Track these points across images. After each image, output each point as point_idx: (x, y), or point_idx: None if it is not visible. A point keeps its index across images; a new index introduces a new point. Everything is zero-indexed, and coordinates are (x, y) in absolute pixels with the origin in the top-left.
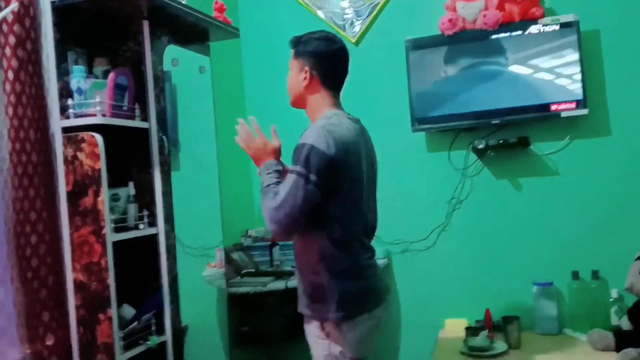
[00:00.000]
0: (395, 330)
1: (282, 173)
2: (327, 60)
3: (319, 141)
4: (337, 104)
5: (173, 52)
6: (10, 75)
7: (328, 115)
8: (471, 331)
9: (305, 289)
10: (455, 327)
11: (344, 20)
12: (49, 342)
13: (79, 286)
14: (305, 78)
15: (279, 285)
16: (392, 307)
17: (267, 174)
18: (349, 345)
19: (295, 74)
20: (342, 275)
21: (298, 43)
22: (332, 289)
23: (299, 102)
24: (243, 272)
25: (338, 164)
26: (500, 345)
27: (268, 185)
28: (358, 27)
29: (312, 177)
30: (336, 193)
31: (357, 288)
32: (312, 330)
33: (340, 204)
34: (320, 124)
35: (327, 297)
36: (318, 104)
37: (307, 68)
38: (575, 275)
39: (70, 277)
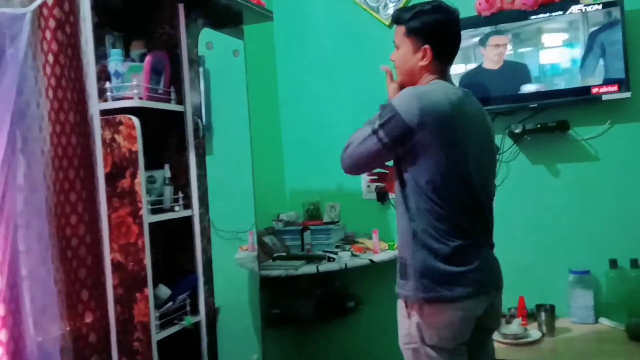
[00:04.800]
0: None
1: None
2: (445, 35)
3: (403, 104)
4: (443, 76)
5: (207, 36)
6: (51, 58)
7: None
8: (505, 318)
9: (397, 262)
10: None
11: (378, 2)
12: (88, 319)
13: (116, 266)
14: (424, 57)
15: (311, 269)
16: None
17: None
18: (427, 331)
19: (409, 53)
20: (428, 254)
21: (409, 19)
22: (416, 267)
23: (411, 81)
24: (275, 255)
25: (422, 129)
26: (534, 333)
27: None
28: (391, 10)
29: (381, 133)
30: (417, 161)
31: (443, 272)
32: (399, 307)
33: (426, 172)
34: (414, 89)
35: (409, 275)
36: (428, 78)
37: (425, 46)
38: (614, 263)
39: (108, 257)
